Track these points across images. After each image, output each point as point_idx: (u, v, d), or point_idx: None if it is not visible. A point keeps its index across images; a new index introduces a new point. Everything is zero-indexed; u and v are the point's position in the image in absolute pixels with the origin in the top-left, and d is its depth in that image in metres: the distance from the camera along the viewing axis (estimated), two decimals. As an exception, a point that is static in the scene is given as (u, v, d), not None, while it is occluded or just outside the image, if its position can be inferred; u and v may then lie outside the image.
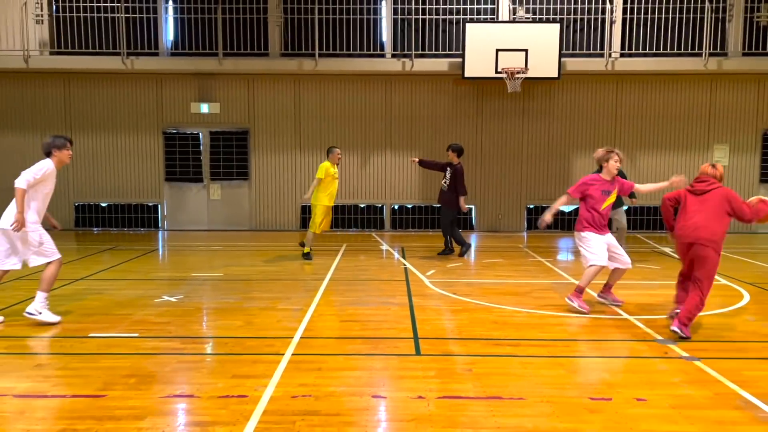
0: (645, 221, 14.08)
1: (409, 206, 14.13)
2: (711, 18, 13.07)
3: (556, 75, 12.95)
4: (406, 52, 13.48)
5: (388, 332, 5.84)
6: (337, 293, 7.57)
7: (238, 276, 8.75)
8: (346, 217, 14.13)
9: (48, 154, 5.95)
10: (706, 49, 13.09)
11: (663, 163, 13.89)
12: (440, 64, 13.36)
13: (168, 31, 13.67)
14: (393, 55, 13.64)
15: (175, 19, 13.66)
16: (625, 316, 6.45)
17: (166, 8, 13.62)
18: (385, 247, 11.64)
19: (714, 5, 13.19)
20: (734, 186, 13.86)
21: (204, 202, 14.09)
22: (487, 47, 12.89)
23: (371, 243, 12.25)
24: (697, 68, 13.23)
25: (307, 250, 9.96)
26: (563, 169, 14.00)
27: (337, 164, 9.94)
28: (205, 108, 13.79)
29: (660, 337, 5.61)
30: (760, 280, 8.40)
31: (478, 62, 12.94)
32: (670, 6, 13.31)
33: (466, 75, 13.03)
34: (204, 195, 14.07)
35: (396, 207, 14.15)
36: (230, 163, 13.92)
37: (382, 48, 13.78)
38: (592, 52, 13.53)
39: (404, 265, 9.56)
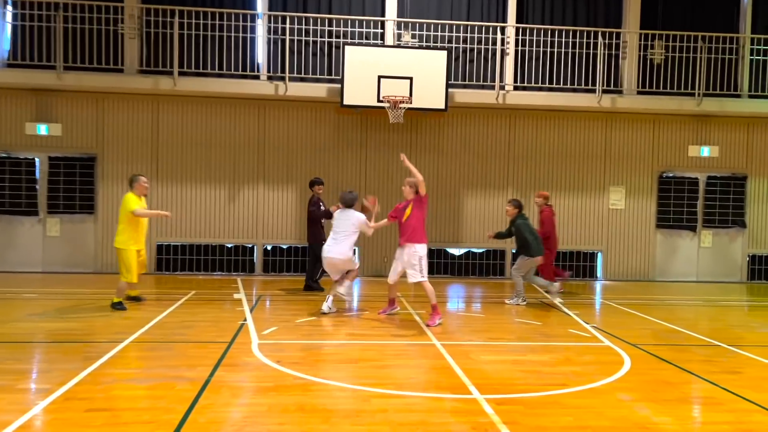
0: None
1: (284, 247, 12.56)
2: (604, 54, 12.43)
3: (443, 106, 11.87)
4: (281, 74, 12.10)
5: (140, 428, 4.21)
6: (122, 362, 5.86)
7: (13, 335, 6.87)
8: (210, 258, 12.38)
9: None
10: (600, 86, 12.40)
11: (557, 204, 12.98)
12: (318, 90, 12.04)
13: (5, 40, 11.74)
14: (269, 78, 12.23)
15: (14, 27, 11.75)
16: (475, 395, 5.07)
17: (4, 13, 11.72)
18: (239, 295, 9.97)
19: (607, 41, 12.57)
20: (630, 231, 13.13)
21: (39, 239, 12.01)
22: (368, 73, 11.68)
23: (228, 290, 10.56)
24: (591, 105, 12.50)
25: (117, 299, 8.42)
26: (454, 209, 12.86)
27: (145, 196, 8.42)
28: (43, 129, 11.85)
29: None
30: (645, 341, 7.29)
31: (358, 89, 11.70)
32: (562, 40, 12.58)
33: (346, 102, 11.75)
34: (39, 231, 12.00)
35: (269, 248, 12.55)
36: (72, 194, 11.95)
37: (257, 69, 12.35)
38: (483, 83, 12.58)
39: (244, 320, 7.93)
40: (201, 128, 12.32)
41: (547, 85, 12.63)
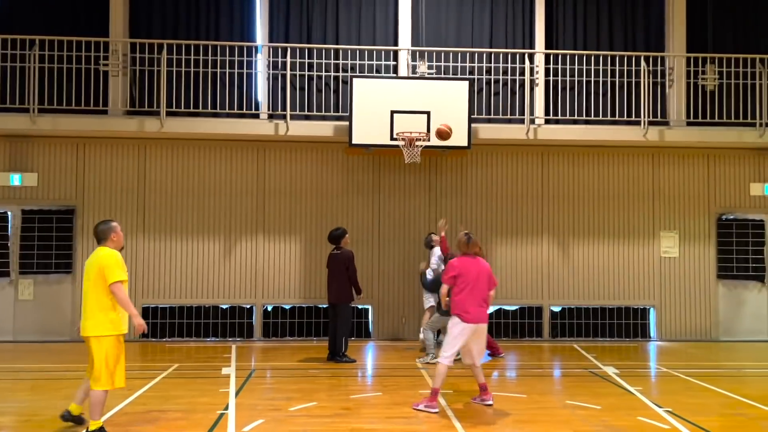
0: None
1: (287, 307, 10.98)
2: (648, 82, 10.91)
3: (465, 144, 10.39)
4: (282, 112, 10.76)
5: None
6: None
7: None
8: (202, 321, 10.83)
9: None
10: (644, 117, 10.84)
11: (600, 253, 11.29)
12: (324, 128, 10.66)
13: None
14: (269, 117, 10.90)
15: (-12, 68, 10.63)
16: None
17: (-22, 54, 10.62)
18: (228, 369, 8.34)
19: (651, 68, 11.07)
20: (687, 282, 11.32)
21: (9, 304, 10.58)
22: (380, 108, 10.28)
23: (218, 361, 8.96)
24: (635, 138, 10.92)
25: (96, 424, 5.21)
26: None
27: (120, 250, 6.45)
28: (16, 179, 10.59)
29: None
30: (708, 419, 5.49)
31: (369, 126, 10.29)
32: (599, 68, 11.10)
33: (355, 141, 10.33)
34: (10, 294, 10.58)
35: (269, 308, 10.97)
36: (48, 251, 10.56)
37: (256, 107, 11.05)
38: (510, 117, 11.09)
39: (225, 409, 6.31)
40: (193, 174, 10.97)
41: (583, 117, 11.11)
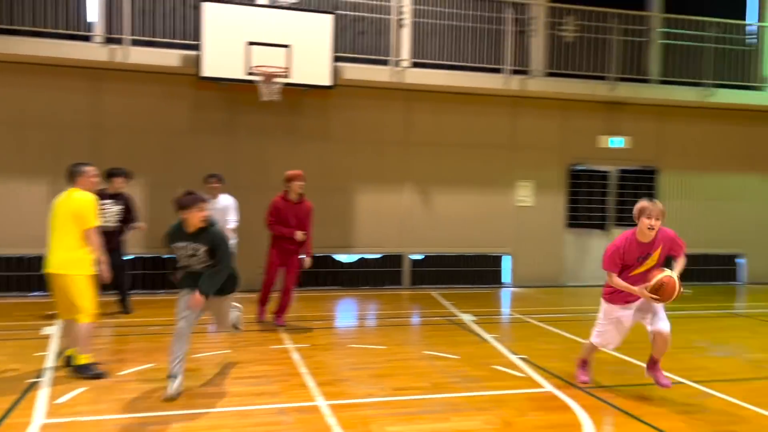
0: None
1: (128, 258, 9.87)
2: (513, 30, 10.85)
3: (328, 83, 9.75)
4: (119, 36, 9.39)
5: None
6: None
7: None
8: (24, 274, 9.48)
9: None
10: (508, 66, 10.82)
11: (460, 202, 11.29)
12: (169, 57, 9.47)
13: None
14: (107, 40, 9.46)
15: None
16: None
17: None
18: (51, 330, 7.26)
19: (516, 16, 11.01)
20: (541, 230, 11.70)
21: None
22: (234, 38, 9.32)
23: (41, 320, 7.81)
24: (497, 87, 10.88)
25: (85, 357, 5.37)
26: (343, 208, 10.78)
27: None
28: None
29: None
30: (592, 378, 5.58)
31: (222, 58, 9.30)
32: (469, 13, 10.86)
33: (206, 74, 9.31)
34: None
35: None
36: None
37: (89, 29, 9.55)
38: (376, 57, 10.56)
39: (39, 376, 5.38)
40: (10, 102, 9.35)
41: (449, 62, 10.86)
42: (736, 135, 12.45)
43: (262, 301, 7.74)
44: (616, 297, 5.19)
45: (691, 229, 12.21)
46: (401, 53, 10.58)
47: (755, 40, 12.42)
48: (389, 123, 10.96)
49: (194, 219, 4.93)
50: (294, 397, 5.02)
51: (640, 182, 12.07)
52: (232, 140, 10.27)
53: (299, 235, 7.37)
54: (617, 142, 11.89)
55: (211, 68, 9.28)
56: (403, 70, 10.46)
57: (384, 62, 10.47)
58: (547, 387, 5.43)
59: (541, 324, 8.18)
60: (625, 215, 12.06)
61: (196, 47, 9.36)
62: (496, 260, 11.58)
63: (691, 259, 12.20)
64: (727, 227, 12.46)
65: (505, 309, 9.90)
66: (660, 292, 4.76)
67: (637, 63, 11.80)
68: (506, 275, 11.63)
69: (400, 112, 11.00)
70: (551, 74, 11.32)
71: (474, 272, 11.42)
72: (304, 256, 7.59)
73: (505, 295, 10.96)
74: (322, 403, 4.88)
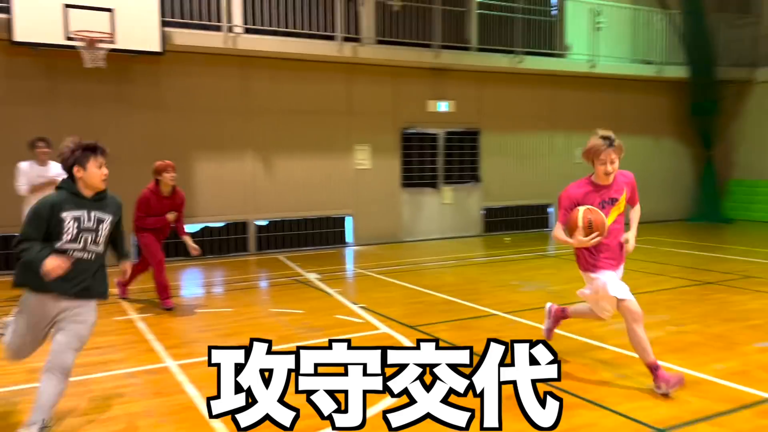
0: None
1: None
2: (343, -2, 11.23)
3: (158, 48, 9.49)
4: None
5: None
6: None
7: None
8: None
9: None
10: (340, 33, 11.21)
11: (301, 167, 11.62)
12: (-27, 20, 8.66)
13: None
14: None
15: None
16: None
17: None
18: None
19: (345, -16, 11.39)
20: (379, 191, 12.42)
21: None
22: (50, 1, 8.71)
23: None
24: (330, 54, 11.25)
25: None
26: (182, 178, 10.59)
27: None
28: None
29: None
30: (420, 320, 6.30)
31: (36, 21, 8.68)
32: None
33: (18, 38, 8.65)
34: None
35: None
36: None
37: None
38: (207, 23, 10.42)
39: None
40: None
41: (283, 29, 11.01)
42: (543, 97, 13.99)
43: (165, 284, 7.09)
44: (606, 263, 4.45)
45: (508, 184, 13.66)
46: (233, 19, 10.53)
47: (556, 11, 13.94)
48: (226, 90, 10.91)
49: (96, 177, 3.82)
50: (142, 362, 5.14)
51: (464, 143, 13.20)
52: (53, 110, 9.64)
53: (170, 216, 7.00)
54: (443, 106, 12.85)
55: (24, 32, 8.64)
56: (236, 36, 10.44)
57: (217, 28, 10.37)
58: (383, 329, 6.04)
59: (380, 276, 8.86)
60: (453, 174, 13.19)
61: (6, 10, 8.62)
62: (338, 221, 12.12)
63: (511, 210, 13.90)
64: (538, 181, 14.05)
65: (349, 266, 10.48)
66: (594, 227, 4.19)
67: (458, 32, 12.77)
68: (349, 235, 12.24)
69: (236, 79, 10.98)
70: (382, 42, 11.90)
71: (318, 234, 11.88)
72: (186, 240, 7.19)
73: (349, 253, 11.56)
74: (171, 363, 5.05)
